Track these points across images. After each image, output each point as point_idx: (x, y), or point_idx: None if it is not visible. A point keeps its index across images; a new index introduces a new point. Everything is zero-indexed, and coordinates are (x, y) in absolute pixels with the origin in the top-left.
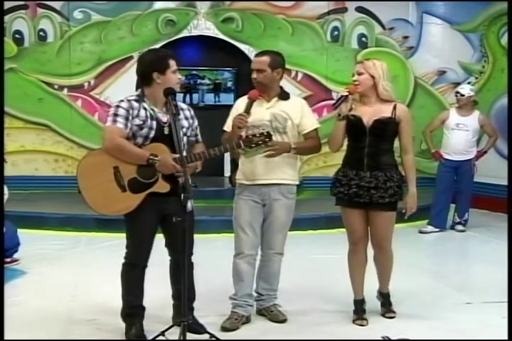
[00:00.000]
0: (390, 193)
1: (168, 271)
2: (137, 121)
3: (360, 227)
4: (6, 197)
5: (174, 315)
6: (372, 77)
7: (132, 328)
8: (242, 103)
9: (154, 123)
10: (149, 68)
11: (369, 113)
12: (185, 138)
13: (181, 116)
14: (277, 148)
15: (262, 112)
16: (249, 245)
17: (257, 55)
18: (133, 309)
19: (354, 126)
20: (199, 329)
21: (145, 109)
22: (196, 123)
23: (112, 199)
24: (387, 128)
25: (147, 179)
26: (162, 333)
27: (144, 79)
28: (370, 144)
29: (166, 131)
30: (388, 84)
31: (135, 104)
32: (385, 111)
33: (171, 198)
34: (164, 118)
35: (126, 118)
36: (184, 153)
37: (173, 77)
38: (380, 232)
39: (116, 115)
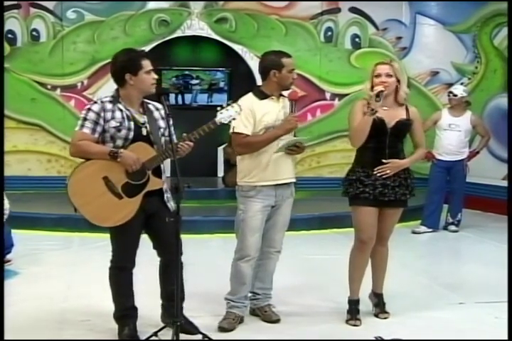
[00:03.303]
0: (410, 190)
1: (158, 271)
2: (113, 123)
3: (372, 227)
4: (6, 212)
5: (162, 314)
6: (398, 80)
7: (125, 329)
8: (257, 103)
9: (132, 124)
10: (121, 69)
11: (388, 114)
12: (162, 139)
13: (157, 115)
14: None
15: (278, 112)
16: (256, 248)
17: (290, 56)
18: (125, 311)
19: (377, 127)
20: (192, 329)
21: (121, 110)
22: (171, 122)
23: (112, 209)
24: (405, 129)
25: (139, 180)
26: (155, 333)
27: (117, 81)
28: (391, 145)
29: (144, 132)
30: (406, 88)
31: (108, 106)
32: (402, 113)
33: (152, 198)
34: (141, 119)
35: (95, 123)
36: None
37: (147, 77)
38: (390, 227)
39: (85, 119)
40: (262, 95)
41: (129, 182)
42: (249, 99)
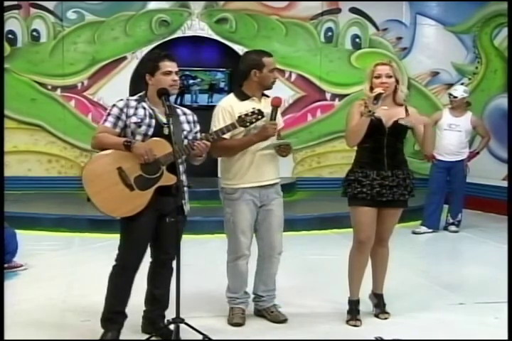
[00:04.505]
0: (409, 190)
1: (147, 272)
2: (134, 119)
3: (370, 227)
4: None
5: (144, 323)
6: (397, 81)
7: (107, 334)
8: (237, 104)
9: (153, 121)
10: (143, 69)
11: (386, 114)
12: (185, 141)
13: (183, 119)
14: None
15: None
16: (248, 246)
17: (271, 55)
18: (113, 314)
19: (374, 127)
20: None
21: (144, 108)
22: (198, 128)
23: (122, 200)
24: (404, 129)
25: (152, 174)
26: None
27: (142, 80)
28: (389, 144)
29: (166, 131)
30: (404, 88)
31: (132, 103)
32: (400, 113)
33: (168, 198)
34: (164, 119)
35: (117, 118)
36: (183, 157)
37: (164, 78)
38: (390, 228)
39: (108, 114)
40: (243, 96)
41: (142, 175)
42: (229, 101)
